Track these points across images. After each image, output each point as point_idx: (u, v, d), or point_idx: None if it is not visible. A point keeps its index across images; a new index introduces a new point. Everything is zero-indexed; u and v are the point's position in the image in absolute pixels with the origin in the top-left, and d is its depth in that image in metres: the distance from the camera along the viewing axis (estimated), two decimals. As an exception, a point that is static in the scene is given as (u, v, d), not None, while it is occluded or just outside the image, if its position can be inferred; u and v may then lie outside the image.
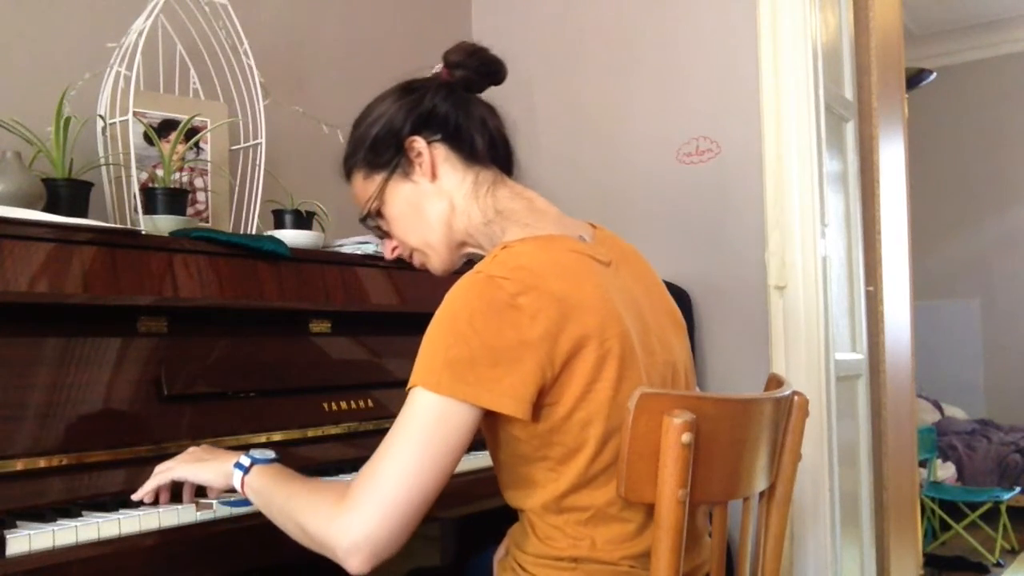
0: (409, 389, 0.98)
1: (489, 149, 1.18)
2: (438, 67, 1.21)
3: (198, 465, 1.17)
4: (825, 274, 2.28)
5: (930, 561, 3.99)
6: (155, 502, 1.19)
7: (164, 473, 1.18)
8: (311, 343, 1.66)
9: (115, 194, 1.68)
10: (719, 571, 1.08)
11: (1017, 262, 5.99)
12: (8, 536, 1.01)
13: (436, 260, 1.22)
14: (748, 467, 1.07)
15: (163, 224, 1.59)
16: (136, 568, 1.10)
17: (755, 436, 1.07)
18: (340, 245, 1.85)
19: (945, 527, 4.45)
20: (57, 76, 1.70)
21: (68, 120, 1.56)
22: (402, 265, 1.82)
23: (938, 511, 4.47)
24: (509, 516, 1.19)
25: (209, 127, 1.83)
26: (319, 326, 1.67)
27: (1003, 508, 4.32)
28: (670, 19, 2.49)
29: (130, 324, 1.38)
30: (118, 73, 1.69)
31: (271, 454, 1.13)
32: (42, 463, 1.20)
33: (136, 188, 1.60)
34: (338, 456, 1.57)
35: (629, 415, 0.95)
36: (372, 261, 1.77)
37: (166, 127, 1.77)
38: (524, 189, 1.21)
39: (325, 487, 1.03)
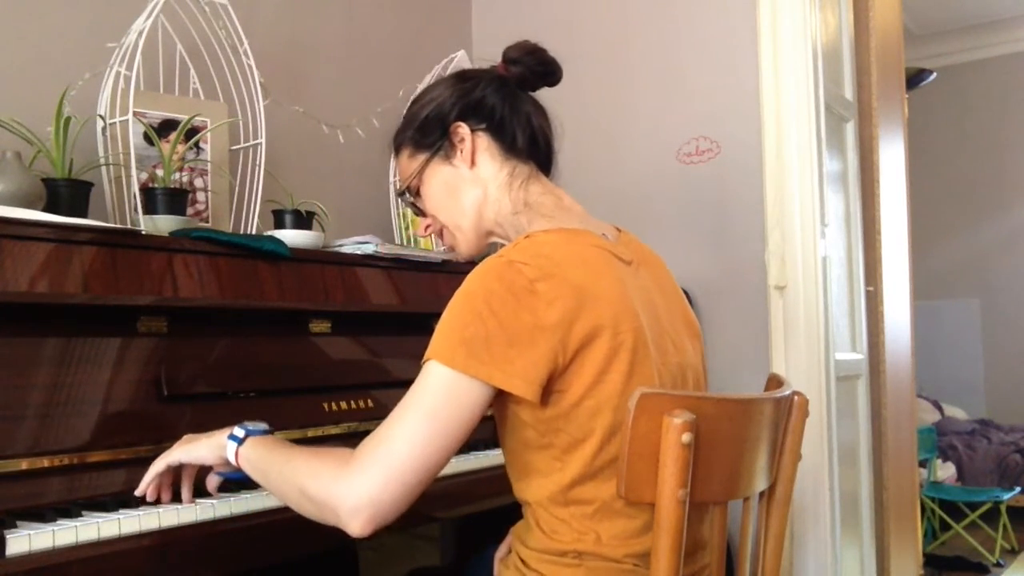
0: (424, 362, 1.00)
1: (530, 145, 1.22)
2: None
3: (191, 446, 1.17)
4: (825, 274, 2.28)
5: (930, 561, 3.99)
6: (156, 502, 1.19)
7: (160, 461, 1.18)
8: (311, 343, 1.66)
9: (115, 194, 1.68)
10: (719, 571, 1.08)
11: (1017, 262, 5.99)
12: (8, 536, 1.01)
13: (464, 243, 1.25)
14: (748, 467, 1.07)
15: (163, 224, 1.59)
16: (136, 568, 1.10)
17: (755, 436, 1.07)
18: (340, 245, 1.85)
19: (945, 527, 4.45)
20: (57, 76, 1.70)
21: (68, 120, 1.56)
22: (402, 265, 1.83)
23: (938, 511, 4.47)
24: (509, 516, 1.19)
25: (209, 127, 1.83)
26: (319, 326, 1.67)
27: (1003, 508, 4.32)
28: (670, 19, 2.49)
29: (130, 324, 1.38)
30: (118, 73, 1.69)
31: (264, 426, 1.14)
32: (42, 463, 1.20)
33: (136, 188, 1.60)
34: (338, 456, 1.56)
35: (629, 415, 0.95)
36: (372, 261, 1.77)
37: (166, 127, 1.77)
38: (556, 187, 1.24)
39: (327, 451, 1.04)
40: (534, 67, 1.23)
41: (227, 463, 1.14)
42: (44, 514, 1.10)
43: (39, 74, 1.74)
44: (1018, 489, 4.58)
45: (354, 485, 0.95)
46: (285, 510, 1.28)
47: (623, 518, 1.04)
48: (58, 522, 1.08)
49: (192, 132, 1.76)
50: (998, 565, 4.08)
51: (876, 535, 2.67)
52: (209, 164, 1.84)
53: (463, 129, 1.20)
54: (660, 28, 2.51)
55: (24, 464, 1.18)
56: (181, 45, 1.90)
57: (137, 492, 1.18)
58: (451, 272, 1.91)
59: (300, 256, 1.64)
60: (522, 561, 1.09)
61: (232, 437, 1.12)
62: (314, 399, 1.58)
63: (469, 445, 1.53)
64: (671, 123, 2.47)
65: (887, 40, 3.01)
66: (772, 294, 2.28)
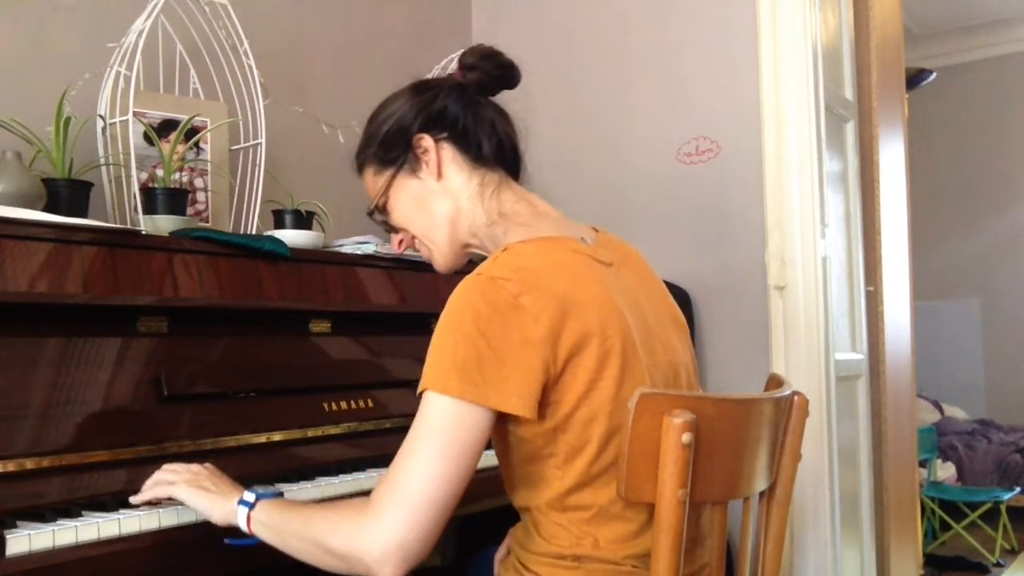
0: (420, 393, 0.99)
1: (497, 152, 1.20)
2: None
3: (200, 493, 1.13)
4: (825, 274, 2.28)
5: (930, 561, 3.99)
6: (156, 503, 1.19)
7: (164, 487, 1.16)
8: (311, 343, 1.66)
9: (115, 194, 1.68)
10: (719, 571, 1.08)
11: (1017, 262, 5.99)
12: (8, 536, 1.01)
13: (439, 256, 1.23)
14: (748, 467, 1.07)
15: (163, 224, 1.59)
16: (136, 568, 1.10)
17: (755, 436, 1.07)
18: (340, 245, 1.85)
19: (945, 527, 4.45)
20: (57, 76, 1.70)
21: (68, 120, 1.56)
22: (402, 265, 1.82)
23: (938, 511, 4.47)
24: (509, 516, 1.19)
25: (209, 127, 1.83)
26: (319, 326, 1.67)
27: (1003, 508, 4.32)
28: (670, 19, 2.49)
29: (130, 324, 1.38)
30: (118, 73, 1.69)
31: (275, 489, 1.11)
32: (42, 463, 1.20)
33: (136, 188, 1.60)
34: (338, 456, 1.56)
35: (629, 415, 0.95)
36: (372, 261, 1.77)
37: (166, 127, 1.77)
38: (528, 193, 1.22)
39: (342, 505, 1.02)
40: (492, 71, 1.20)
41: (233, 525, 1.10)
42: (44, 514, 1.10)
43: (39, 74, 1.74)
44: (1018, 489, 4.58)
45: (377, 532, 0.94)
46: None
47: (620, 521, 1.04)
48: (58, 522, 1.08)
49: (192, 132, 1.76)
50: (998, 565, 4.08)
51: (876, 535, 2.67)
52: (209, 164, 1.84)
53: (427, 141, 1.17)
54: (660, 28, 2.51)
55: (24, 464, 1.18)
56: (181, 45, 1.90)
57: (133, 500, 1.17)
58: (451, 272, 1.91)
59: (300, 256, 1.64)
60: (521, 564, 1.09)
61: (243, 502, 1.09)
62: (314, 399, 1.58)
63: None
64: (671, 123, 2.47)
65: (887, 40, 3.01)
66: (772, 294, 2.28)
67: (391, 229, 1.27)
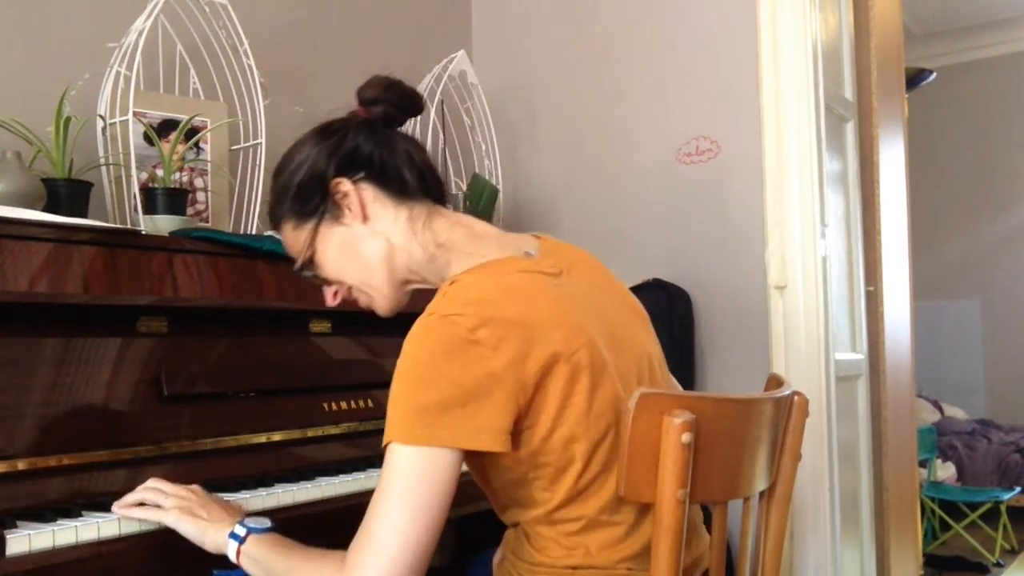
0: (385, 446, 0.97)
1: (419, 182, 1.15)
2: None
3: (192, 521, 1.12)
4: (825, 274, 2.28)
5: (930, 561, 3.99)
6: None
7: (154, 512, 1.13)
8: (311, 343, 1.66)
9: (115, 194, 1.68)
10: (719, 571, 1.08)
11: (1017, 262, 5.99)
12: (8, 536, 1.01)
13: (380, 299, 1.17)
14: (748, 467, 1.07)
15: (163, 224, 1.59)
16: (136, 568, 1.10)
17: (755, 436, 1.07)
18: (340, 245, 1.85)
19: (945, 527, 4.45)
20: (57, 76, 1.70)
21: (68, 120, 1.56)
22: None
23: (938, 511, 4.47)
24: (509, 516, 1.19)
25: (209, 127, 1.83)
26: (319, 326, 1.67)
27: (1003, 508, 4.32)
28: (670, 19, 2.49)
29: (130, 324, 1.38)
30: (118, 73, 1.69)
31: (267, 522, 1.11)
32: (42, 463, 1.20)
33: (136, 188, 1.60)
34: (338, 456, 1.57)
35: (629, 415, 0.95)
36: (372, 261, 1.76)
37: (166, 127, 1.77)
38: (461, 216, 1.19)
39: (325, 556, 1.01)
40: (396, 102, 1.16)
41: (223, 554, 1.10)
42: (44, 514, 1.10)
43: (39, 74, 1.74)
44: (1018, 489, 4.58)
45: None
46: (284, 511, 1.29)
47: (608, 527, 1.04)
48: (58, 522, 1.08)
49: (192, 132, 1.76)
50: (998, 565, 4.08)
51: (876, 535, 2.67)
52: (209, 164, 1.84)
53: (345, 184, 1.12)
54: (660, 28, 2.51)
55: (24, 464, 1.18)
56: (181, 45, 1.90)
57: (114, 508, 1.14)
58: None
59: (300, 256, 1.63)
60: (518, 574, 1.10)
61: (233, 536, 1.08)
62: (314, 399, 1.58)
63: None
64: (671, 123, 2.47)
65: (887, 40, 3.01)
66: (772, 294, 2.28)
67: (323, 282, 1.19)
